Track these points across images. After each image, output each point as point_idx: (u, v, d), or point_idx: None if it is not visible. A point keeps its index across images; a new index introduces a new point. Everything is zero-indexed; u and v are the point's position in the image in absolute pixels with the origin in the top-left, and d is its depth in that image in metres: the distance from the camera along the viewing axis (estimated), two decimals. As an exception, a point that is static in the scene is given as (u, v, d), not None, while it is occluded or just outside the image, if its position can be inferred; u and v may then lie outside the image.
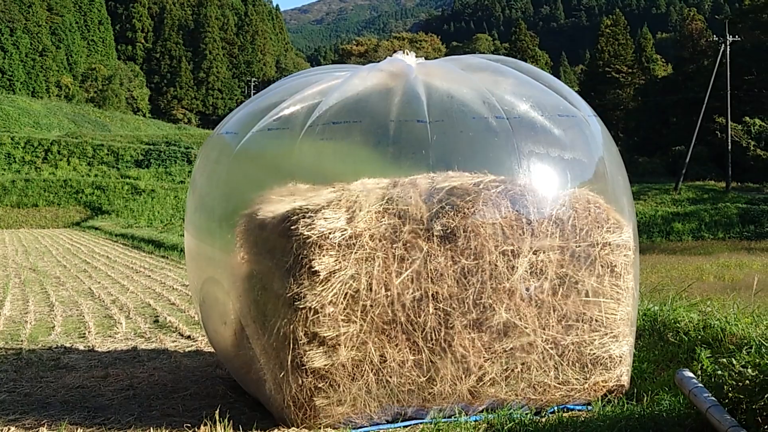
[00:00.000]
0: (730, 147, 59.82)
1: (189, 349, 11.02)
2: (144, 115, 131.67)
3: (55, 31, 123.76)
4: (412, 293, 6.63)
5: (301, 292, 6.47)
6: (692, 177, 63.15)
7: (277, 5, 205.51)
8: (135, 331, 12.68)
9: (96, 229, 54.84)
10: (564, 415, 6.72)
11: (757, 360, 5.04)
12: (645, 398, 6.81)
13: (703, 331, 8.14)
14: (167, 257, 29.28)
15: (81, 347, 11.31)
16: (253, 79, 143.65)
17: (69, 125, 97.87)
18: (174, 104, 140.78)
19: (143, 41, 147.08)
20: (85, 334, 12.53)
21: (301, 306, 6.46)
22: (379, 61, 8.07)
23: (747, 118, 65.31)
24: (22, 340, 11.94)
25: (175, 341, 11.65)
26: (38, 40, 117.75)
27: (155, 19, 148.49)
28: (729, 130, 60.77)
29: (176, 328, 12.76)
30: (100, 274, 23.41)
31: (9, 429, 7.06)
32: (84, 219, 65.43)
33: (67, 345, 11.52)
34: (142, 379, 9.07)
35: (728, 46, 61.56)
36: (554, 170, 7.10)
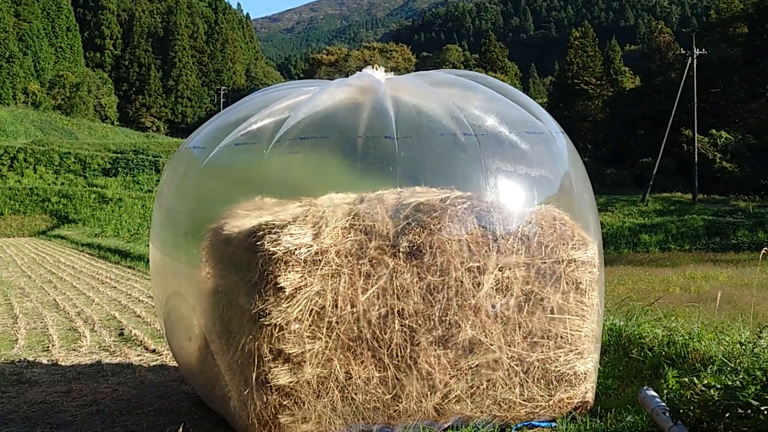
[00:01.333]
0: (696, 159, 60.44)
1: (154, 363, 10.93)
2: (112, 123, 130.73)
3: (23, 38, 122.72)
4: (378, 310, 6.62)
5: (266, 309, 6.43)
6: (659, 189, 63.72)
7: (247, 14, 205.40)
8: (99, 345, 12.57)
9: (62, 238, 54.36)
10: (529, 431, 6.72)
11: (721, 380, 5.07)
12: (609, 415, 6.82)
13: (668, 347, 8.21)
14: (134, 267, 29.07)
15: (44, 361, 11.19)
16: (223, 87, 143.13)
17: (36, 133, 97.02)
18: (143, 112, 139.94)
19: (112, 48, 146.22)
20: (48, 347, 12.41)
21: (266, 322, 6.43)
22: (348, 76, 8.06)
23: (713, 131, 66.02)
24: (-17, 354, 11.81)
25: (140, 355, 11.56)
26: (5, 46, 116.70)
27: (124, 26, 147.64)
28: (696, 142, 61.43)
29: (141, 341, 12.66)
30: (66, 284, 23.20)
31: (-34, 447, 6.97)
32: (50, 228, 64.85)
33: (30, 359, 11.39)
34: (106, 395, 8.99)
35: (695, 59, 62.24)
36: (521, 187, 7.13)
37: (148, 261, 28.64)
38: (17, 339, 13.20)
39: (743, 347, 6.82)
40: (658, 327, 8.93)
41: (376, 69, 7.94)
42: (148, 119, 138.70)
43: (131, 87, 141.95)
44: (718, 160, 63.23)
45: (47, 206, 69.50)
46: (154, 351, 11.79)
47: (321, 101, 7.49)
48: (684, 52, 65.99)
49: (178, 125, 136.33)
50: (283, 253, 6.48)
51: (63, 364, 11.00)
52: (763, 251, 10.02)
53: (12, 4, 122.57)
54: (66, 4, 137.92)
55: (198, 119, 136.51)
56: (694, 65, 61.84)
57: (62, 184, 75.14)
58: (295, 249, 6.50)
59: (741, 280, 26.63)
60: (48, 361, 11.22)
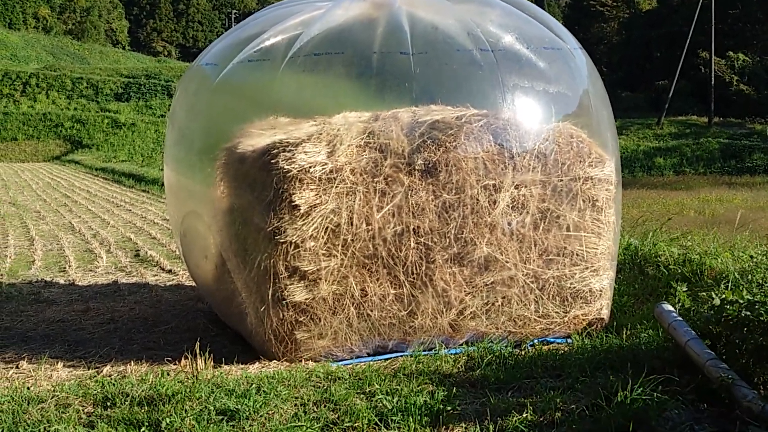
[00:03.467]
0: (713, 82, 59.64)
1: (170, 283, 10.97)
2: (123, 48, 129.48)
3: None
4: (394, 228, 6.60)
5: (281, 227, 6.43)
6: (675, 112, 63.01)
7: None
8: (116, 265, 12.60)
9: (76, 163, 54.27)
10: (543, 348, 6.75)
11: (741, 295, 5.04)
12: (624, 331, 6.81)
13: (683, 265, 8.16)
14: (148, 191, 28.99)
15: (61, 281, 11.25)
16: (234, 11, 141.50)
17: (47, 58, 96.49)
18: (154, 37, 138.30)
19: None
20: (65, 268, 12.45)
21: (281, 240, 6.43)
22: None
23: (731, 53, 64.98)
24: (1, 275, 11.84)
25: (156, 275, 11.60)
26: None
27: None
28: (712, 64, 60.54)
29: (157, 262, 12.69)
30: (81, 208, 23.21)
31: (-11, 362, 7.03)
32: (64, 153, 64.67)
33: (48, 279, 11.44)
34: (123, 313, 9.04)
35: (714, -21, 61.07)
36: (538, 104, 7.05)
37: (162, 185, 28.57)
38: (34, 260, 13.25)
39: (755, 261, 6.79)
40: (674, 246, 8.88)
41: (392, -18, 7.79)
42: (159, 44, 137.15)
43: (142, 11, 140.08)
44: (735, 83, 62.36)
45: (60, 131, 69.31)
46: (169, 271, 11.82)
47: (335, 16, 7.36)
48: (703, -29, 64.65)
49: (189, 50, 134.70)
50: (298, 171, 6.44)
51: (80, 284, 11.05)
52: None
53: None
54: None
55: (209, 43, 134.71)
56: (713, -16, 60.67)
57: (75, 109, 74.72)
58: (310, 167, 6.46)
59: (756, 202, 26.46)
60: (65, 281, 11.27)
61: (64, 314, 9.05)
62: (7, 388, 5.82)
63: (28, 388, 5.75)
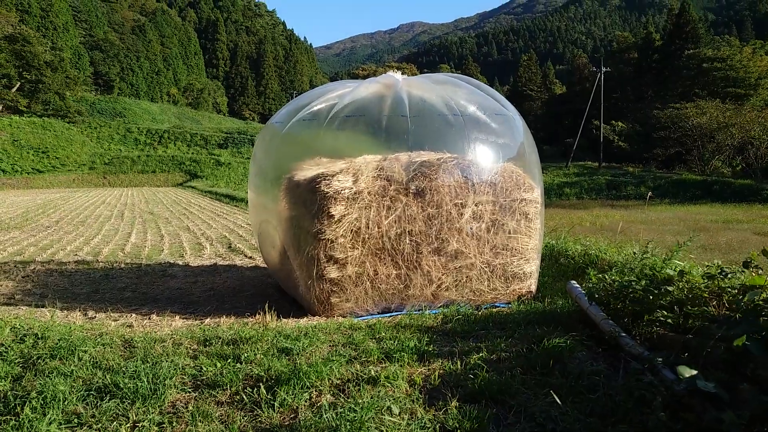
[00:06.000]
0: (602, 140, 59.42)
1: (250, 265, 10.87)
2: (224, 115, 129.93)
3: (166, 59, 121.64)
4: (395, 230, 6.50)
5: (322, 229, 6.33)
6: (577, 159, 62.70)
7: (310, 44, 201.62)
8: (216, 253, 12.51)
9: (192, 187, 54.29)
10: (493, 310, 6.60)
11: (621, 277, 4.90)
12: (546, 300, 6.69)
13: (584, 256, 8.03)
14: (238, 206, 28.96)
15: (180, 263, 11.16)
16: (294, 92, 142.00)
17: (175, 120, 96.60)
18: (243, 108, 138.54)
19: (223, 66, 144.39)
20: (183, 254, 12.38)
21: (322, 238, 6.34)
22: (377, 76, 7.83)
23: (613, 122, 64.76)
24: (142, 258, 11.79)
25: (242, 260, 11.50)
26: (154, 64, 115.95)
27: (231, 51, 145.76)
28: (602, 129, 60.32)
29: (242, 251, 12.60)
30: (194, 216, 23.17)
31: (131, 315, 6.93)
32: (185, 181, 64.64)
33: (171, 261, 11.37)
34: (219, 284, 8.96)
35: (602, 75, 60.92)
36: (491, 151, 6.92)
37: (247, 201, 28.68)
38: (163, 249, 13.18)
39: (635, 256, 6.65)
40: (578, 244, 8.75)
41: (396, 72, 7.71)
42: (246, 112, 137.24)
43: (236, 91, 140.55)
44: (616, 141, 62.06)
45: (183, 167, 69.25)
46: (250, 257, 11.72)
47: (359, 92, 7.28)
48: (595, 69, 64.56)
49: (266, 116, 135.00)
50: (333, 192, 6.35)
51: (192, 265, 10.96)
52: (648, 195, 9.77)
53: (159, 36, 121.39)
54: (194, 37, 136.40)
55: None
56: (602, 79, 60.58)
57: (192, 153, 74.85)
58: (342, 190, 6.37)
59: (629, 218, 26.06)
60: (182, 263, 11.18)
61: (181, 284, 8.98)
62: (142, 332, 5.71)
63: (155, 332, 5.64)
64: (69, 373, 4.16)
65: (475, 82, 7.75)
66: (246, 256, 11.99)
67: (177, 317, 6.73)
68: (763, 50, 64.82)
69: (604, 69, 61.49)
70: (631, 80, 72.25)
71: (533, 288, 7.12)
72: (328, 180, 6.44)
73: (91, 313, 6.97)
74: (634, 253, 6.47)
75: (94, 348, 4.75)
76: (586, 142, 65.81)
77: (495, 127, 7.07)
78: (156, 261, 11.39)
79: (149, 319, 6.68)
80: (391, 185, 6.53)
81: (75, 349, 4.63)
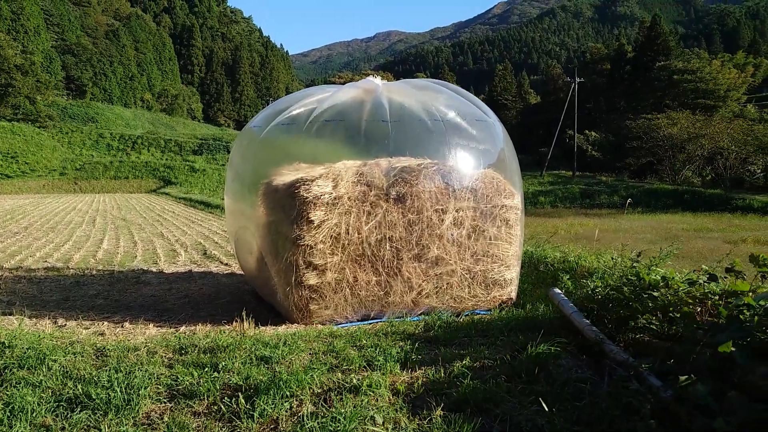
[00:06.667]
0: (575, 149, 60.05)
1: (226, 272, 10.68)
2: (198, 121, 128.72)
3: (140, 64, 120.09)
4: (376, 236, 6.41)
5: (301, 234, 6.22)
6: (551, 168, 63.21)
7: (287, 51, 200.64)
8: (190, 260, 12.28)
9: (166, 194, 53.57)
10: (475, 317, 6.54)
11: (606, 283, 4.87)
12: (528, 306, 6.64)
13: (563, 263, 8.02)
14: (213, 213, 28.60)
15: (154, 270, 10.92)
16: (270, 99, 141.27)
17: (149, 126, 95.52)
18: (218, 114, 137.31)
19: (198, 72, 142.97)
20: (156, 261, 12.12)
21: (301, 243, 6.23)
22: (356, 81, 7.75)
23: (587, 131, 65.59)
24: (114, 265, 11.51)
25: (217, 267, 11.30)
26: (128, 69, 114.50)
27: (206, 57, 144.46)
28: (575, 138, 61.02)
29: (218, 258, 12.38)
30: (168, 223, 22.84)
31: (103, 323, 6.72)
32: (158, 187, 63.72)
33: (145, 268, 11.11)
34: (194, 291, 8.76)
35: (576, 85, 61.66)
36: (472, 157, 6.87)
37: (222, 209, 28.29)
38: (136, 255, 12.91)
39: (614, 262, 6.64)
40: (557, 251, 8.75)
41: (375, 77, 7.64)
42: (222, 118, 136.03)
43: (211, 98, 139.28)
44: (589, 150, 62.84)
45: (156, 173, 68.33)
46: (226, 264, 11.52)
47: (339, 97, 7.20)
48: (569, 80, 65.32)
49: (241, 123, 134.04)
50: (313, 197, 6.26)
51: (166, 272, 10.72)
52: (628, 202, 9.83)
53: (133, 41, 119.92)
54: (168, 42, 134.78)
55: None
56: (576, 89, 61.32)
57: (166, 159, 73.92)
58: (321, 195, 6.28)
59: (603, 226, 26.32)
60: (156, 270, 10.94)
61: (155, 291, 8.76)
62: (114, 341, 5.53)
63: (128, 340, 5.47)
64: (38, 384, 3.99)
65: (455, 88, 7.71)
66: (221, 262, 11.77)
67: (151, 325, 6.54)
68: (731, 63, 66.26)
69: (578, 79, 62.23)
70: (604, 91, 73.32)
71: (513, 295, 7.08)
72: (307, 185, 6.33)
73: (61, 321, 6.75)
74: (613, 259, 6.45)
75: (64, 357, 4.58)
76: (560, 152, 66.48)
77: (475, 134, 7.03)
78: (129, 268, 11.12)
79: (122, 327, 6.49)
80: (371, 191, 6.45)
81: (44, 358, 4.45)
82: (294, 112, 7.12)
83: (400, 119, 6.91)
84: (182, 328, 6.29)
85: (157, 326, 6.50)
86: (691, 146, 46.78)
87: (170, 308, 7.64)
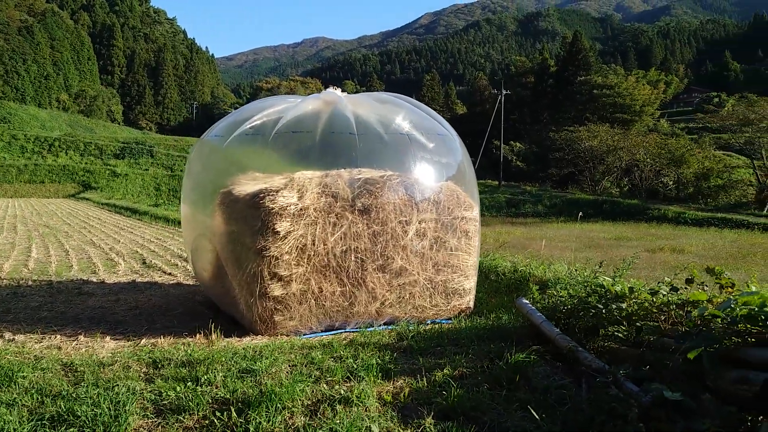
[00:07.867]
0: (501, 160, 61.76)
1: (172, 282, 10.39)
2: (119, 124, 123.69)
3: (56, 63, 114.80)
4: (341, 247, 6.47)
5: (266, 245, 6.21)
6: (478, 178, 64.33)
7: (212, 54, 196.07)
8: (131, 269, 11.87)
9: (87, 199, 51.26)
10: (436, 326, 6.69)
11: (571, 293, 5.12)
12: (490, 315, 6.84)
13: (514, 273, 8.30)
14: (141, 220, 27.63)
15: (95, 280, 10.49)
16: (195, 102, 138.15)
17: (66, 128, 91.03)
18: (140, 117, 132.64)
19: (119, 73, 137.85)
20: (95, 271, 11.65)
21: (266, 254, 6.21)
22: (318, 93, 7.77)
23: (512, 142, 67.58)
24: (50, 275, 10.99)
25: (161, 276, 10.97)
26: (43, 68, 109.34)
27: (128, 58, 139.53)
28: (501, 149, 62.75)
29: (160, 267, 12.02)
30: (96, 230, 21.90)
31: (55, 336, 6.44)
32: (77, 192, 60.88)
33: (84, 278, 10.65)
34: (144, 302, 8.50)
35: (503, 97, 63.52)
36: (433, 169, 7.04)
37: (151, 216, 27.42)
38: (72, 265, 12.36)
39: (568, 274, 6.95)
40: (506, 261, 9.03)
41: (337, 89, 7.70)
42: (143, 122, 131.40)
43: (132, 99, 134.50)
44: (514, 161, 64.76)
45: (75, 178, 65.37)
46: (170, 274, 11.20)
47: (301, 108, 7.21)
48: (495, 92, 67.25)
49: (164, 126, 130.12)
50: (279, 208, 6.26)
51: (108, 282, 10.33)
52: (579, 215, 10.22)
53: (49, 39, 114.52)
54: (87, 41, 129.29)
55: (177, 123, 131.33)
56: (502, 100, 63.12)
57: (86, 163, 70.79)
58: (287, 206, 6.29)
59: (529, 234, 27.24)
60: (97, 280, 10.51)
61: (102, 303, 8.44)
62: (79, 355, 5.33)
63: (93, 355, 5.30)
64: (11, 402, 3.84)
65: (415, 102, 7.87)
66: (164, 272, 11.44)
67: (108, 338, 6.32)
68: (645, 79, 69.99)
69: (504, 92, 64.02)
70: (528, 103, 75.80)
71: (471, 304, 7.28)
72: (272, 195, 6.32)
73: (8, 335, 6.41)
74: (569, 269, 6.78)
75: (33, 373, 4.41)
76: (487, 162, 68.16)
77: (436, 147, 7.19)
78: (68, 278, 10.63)
79: (77, 340, 6.24)
80: (337, 202, 6.50)
81: (12, 375, 4.28)
82: (258, 122, 7.08)
83: (363, 132, 6.98)
84: (143, 341, 6.11)
85: (114, 339, 6.29)
86: (610, 158, 49.02)
87: (122, 320, 7.39)
